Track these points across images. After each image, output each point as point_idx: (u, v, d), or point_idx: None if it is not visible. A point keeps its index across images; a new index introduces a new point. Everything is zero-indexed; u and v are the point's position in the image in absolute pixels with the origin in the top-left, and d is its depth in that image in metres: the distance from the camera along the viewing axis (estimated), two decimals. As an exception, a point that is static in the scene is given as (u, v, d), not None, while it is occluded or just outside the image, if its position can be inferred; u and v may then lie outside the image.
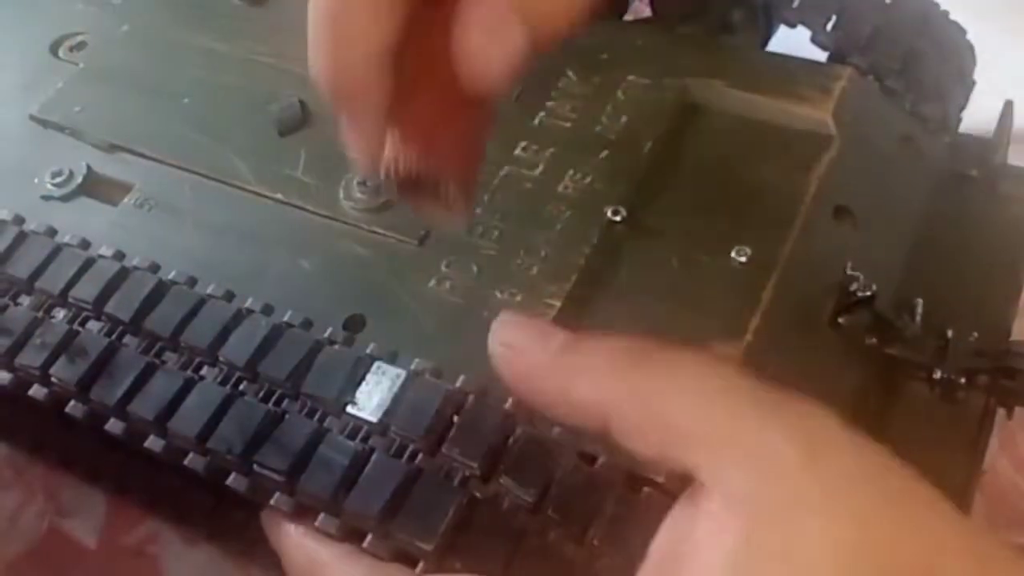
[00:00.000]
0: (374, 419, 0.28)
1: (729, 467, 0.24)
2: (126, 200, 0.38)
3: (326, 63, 0.27)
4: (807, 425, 0.25)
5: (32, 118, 0.41)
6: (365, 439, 0.28)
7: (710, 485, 0.24)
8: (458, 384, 0.29)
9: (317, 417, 0.29)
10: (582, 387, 0.26)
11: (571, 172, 0.37)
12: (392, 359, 0.30)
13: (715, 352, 0.32)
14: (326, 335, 0.31)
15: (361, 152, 0.28)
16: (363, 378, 0.29)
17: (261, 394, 0.30)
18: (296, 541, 0.29)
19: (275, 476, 0.28)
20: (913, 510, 0.24)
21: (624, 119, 0.39)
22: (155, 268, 0.33)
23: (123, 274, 0.32)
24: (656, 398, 0.25)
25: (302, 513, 0.29)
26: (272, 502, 0.29)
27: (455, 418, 0.28)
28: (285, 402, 0.30)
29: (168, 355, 0.31)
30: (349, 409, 0.28)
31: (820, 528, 0.23)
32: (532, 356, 0.27)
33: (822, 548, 0.23)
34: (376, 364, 0.29)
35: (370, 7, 0.26)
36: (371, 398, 0.28)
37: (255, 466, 0.28)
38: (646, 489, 0.28)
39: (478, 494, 0.27)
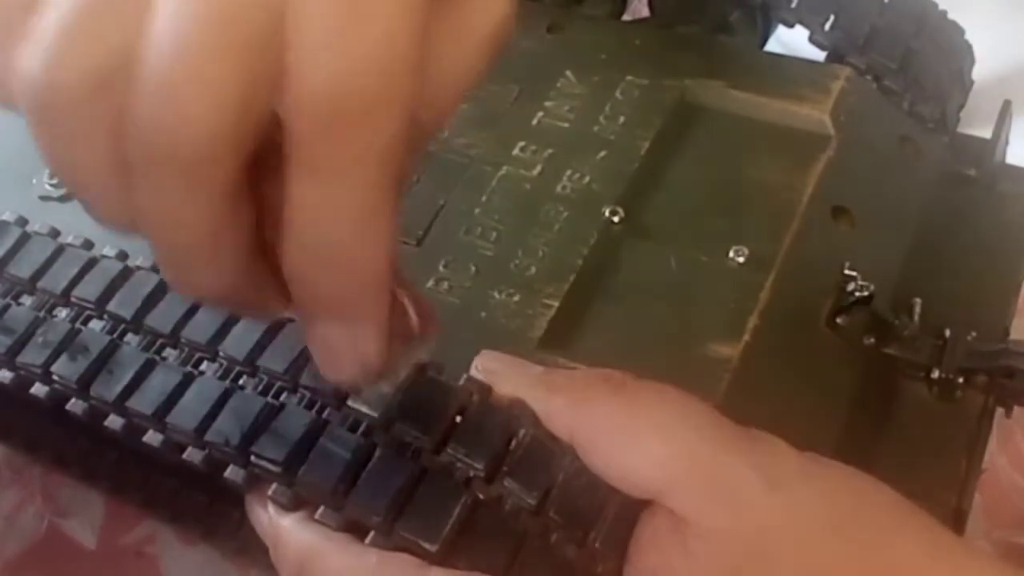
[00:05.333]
0: (375, 413, 0.28)
1: (697, 498, 0.26)
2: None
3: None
4: (765, 453, 0.26)
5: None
6: (366, 433, 0.28)
7: (686, 515, 0.26)
8: (459, 384, 0.29)
9: (316, 409, 0.29)
10: (556, 402, 0.28)
11: (569, 172, 0.38)
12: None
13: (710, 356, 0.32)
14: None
15: (371, 361, 0.24)
16: None
17: (260, 388, 0.30)
18: (290, 529, 0.29)
19: (272, 467, 0.28)
20: (867, 531, 0.26)
21: (622, 119, 0.39)
22: (156, 268, 0.33)
23: (126, 273, 0.32)
24: (622, 426, 0.27)
25: (300, 502, 0.29)
26: (270, 493, 0.29)
27: (458, 418, 0.28)
28: (284, 395, 0.30)
29: (168, 352, 0.31)
30: (350, 402, 0.28)
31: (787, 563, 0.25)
32: (514, 377, 0.29)
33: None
34: None
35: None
36: (373, 391, 0.28)
37: (252, 457, 0.28)
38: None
39: (481, 495, 0.27)
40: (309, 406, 0.29)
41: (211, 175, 0.20)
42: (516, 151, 0.39)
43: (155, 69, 0.20)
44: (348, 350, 0.24)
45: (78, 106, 0.20)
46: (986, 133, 0.41)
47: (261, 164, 0.21)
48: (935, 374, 0.34)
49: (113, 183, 0.21)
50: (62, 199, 0.38)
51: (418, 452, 0.28)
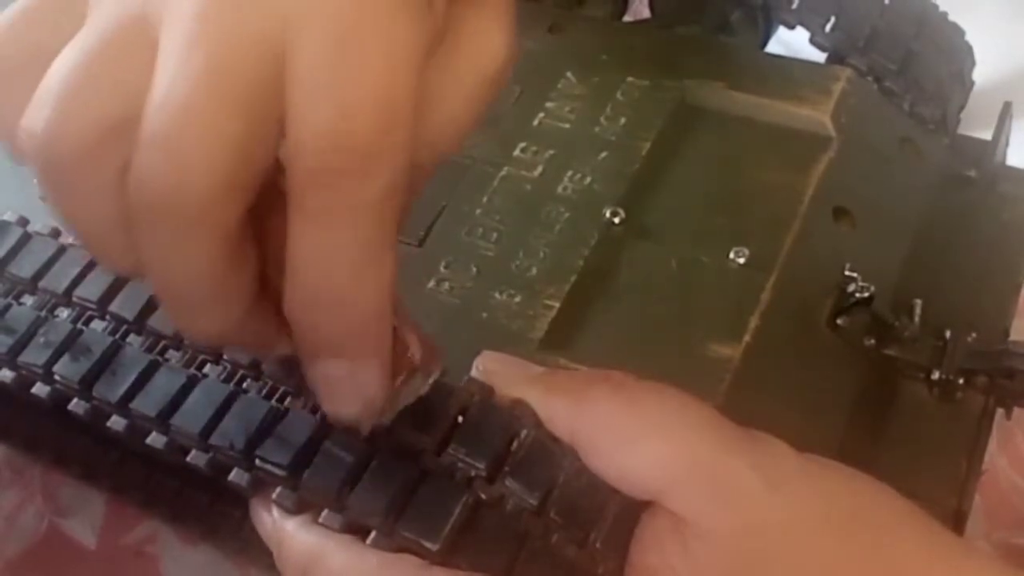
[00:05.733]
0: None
1: (697, 498, 0.26)
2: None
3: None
4: (765, 454, 0.26)
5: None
6: (368, 436, 0.28)
7: (686, 516, 0.26)
8: (460, 385, 0.29)
9: (320, 413, 0.29)
10: (557, 403, 0.28)
11: (570, 173, 0.38)
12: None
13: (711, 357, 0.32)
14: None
15: (375, 399, 0.25)
16: None
17: (264, 391, 0.30)
18: (294, 532, 0.29)
19: (277, 471, 0.28)
20: (867, 532, 0.26)
21: (623, 120, 0.39)
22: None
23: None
24: (623, 426, 0.27)
25: (304, 505, 0.29)
26: (274, 497, 0.29)
27: (459, 419, 0.28)
28: (288, 399, 0.30)
29: (171, 353, 0.31)
30: None
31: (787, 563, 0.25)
32: (515, 378, 0.29)
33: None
34: None
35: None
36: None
37: (257, 461, 0.28)
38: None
39: (482, 495, 0.27)
40: (313, 410, 0.29)
41: (213, 224, 0.21)
42: (517, 152, 0.39)
43: (155, 123, 0.20)
44: (350, 388, 0.24)
45: (81, 162, 0.21)
46: (986, 134, 0.41)
47: (266, 204, 0.22)
48: (935, 375, 0.34)
49: (118, 234, 0.22)
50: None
51: (419, 453, 0.28)
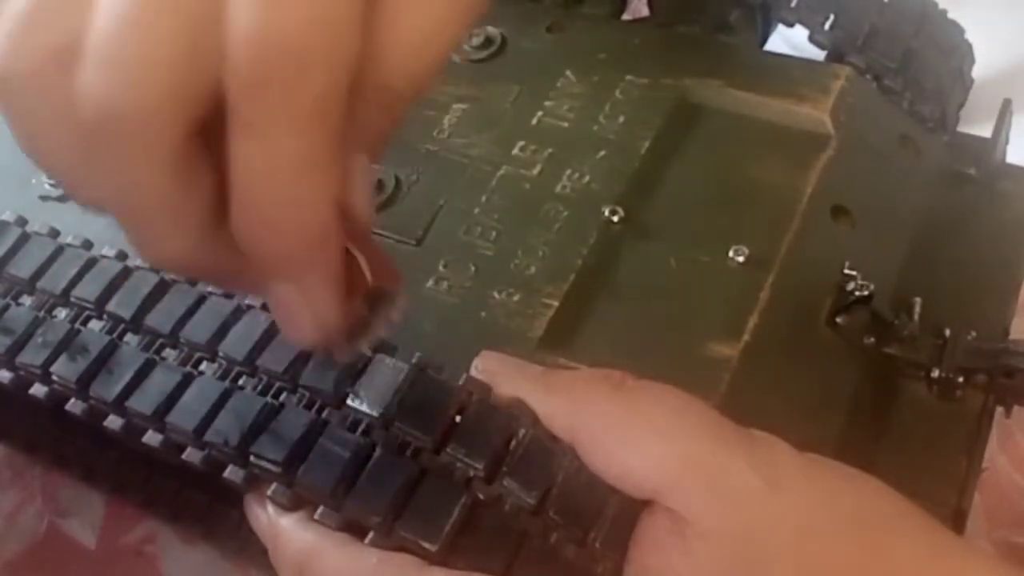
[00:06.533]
0: (375, 412, 0.28)
1: (697, 498, 0.26)
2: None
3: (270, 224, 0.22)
4: (765, 453, 0.26)
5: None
6: (366, 432, 0.28)
7: (686, 515, 0.26)
8: (459, 384, 0.29)
9: (315, 409, 0.29)
10: (556, 402, 0.28)
11: (569, 172, 0.38)
12: (391, 354, 0.30)
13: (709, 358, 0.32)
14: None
15: (328, 318, 0.24)
16: (363, 371, 0.29)
17: (259, 388, 0.30)
18: (289, 530, 0.29)
19: (272, 467, 0.28)
20: (868, 532, 0.26)
21: (622, 119, 0.39)
22: (156, 268, 0.33)
23: (125, 273, 0.32)
24: (622, 426, 0.27)
25: (299, 502, 0.29)
26: (269, 493, 0.29)
27: (458, 418, 0.28)
28: (283, 395, 0.30)
29: (168, 352, 0.31)
30: (350, 402, 0.28)
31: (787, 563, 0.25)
32: (514, 377, 0.29)
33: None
34: (377, 356, 0.29)
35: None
36: (372, 391, 0.28)
37: (252, 457, 0.28)
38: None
39: (481, 495, 0.27)
40: (308, 406, 0.29)
41: (158, 139, 0.21)
42: (516, 151, 0.39)
43: (96, 38, 0.20)
44: (302, 309, 0.24)
45: (34, 85, 0.21)
46: (986, 132, 0.41)
47: (222, 133, 0.21)
48: (935, 373, 0.34)
49: (77, 159, 0.22)
50: (62, 199, 0.38)
51: (418, 452, 0.28)
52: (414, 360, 0.29)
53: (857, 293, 0.34)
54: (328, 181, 0.22)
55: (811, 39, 0.42)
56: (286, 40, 0.20)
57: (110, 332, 0.31)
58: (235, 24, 0.20)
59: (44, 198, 0.38)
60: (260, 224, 0.22)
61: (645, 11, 0.47)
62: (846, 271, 0.34)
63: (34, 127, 0.22)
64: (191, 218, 0.22)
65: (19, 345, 0.32)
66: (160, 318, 0.31)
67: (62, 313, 0.32)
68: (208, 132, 0.21)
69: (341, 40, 0.21)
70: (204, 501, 0.41)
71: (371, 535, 0.28)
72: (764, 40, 0.46)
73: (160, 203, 0.22)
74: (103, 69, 0.20)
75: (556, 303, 0.34)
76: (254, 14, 0.20)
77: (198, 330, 0.31)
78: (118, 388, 0.30)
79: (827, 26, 0.42)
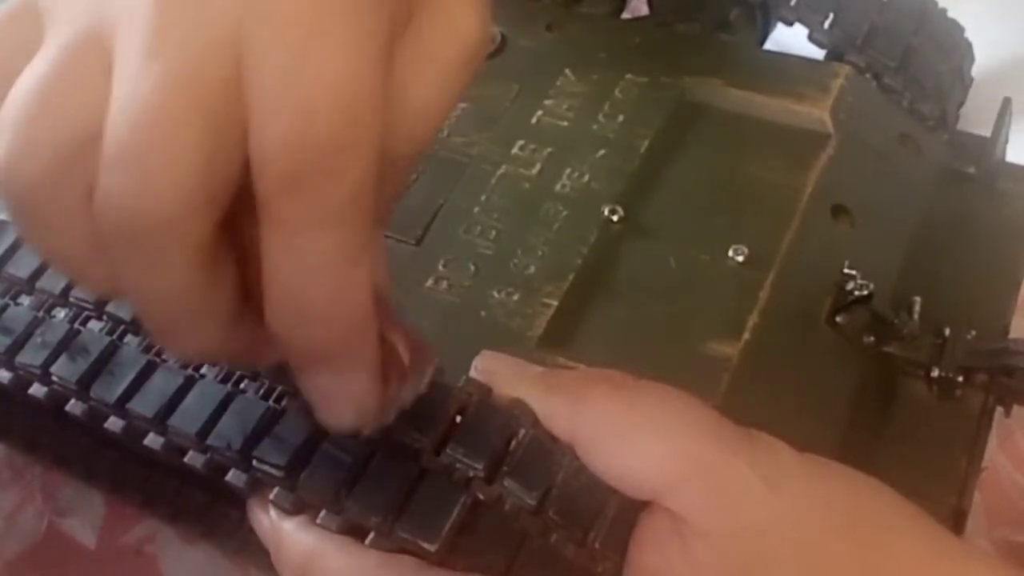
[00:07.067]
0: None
1: (697, 498, 0.26)
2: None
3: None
4: (765, 453, 0.26)
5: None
6: (366, 436, 0.28)
7: (686, 515, 0.26)
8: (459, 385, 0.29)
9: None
10: (556, 402, 0.27)
11: (568, 171, 0.37)
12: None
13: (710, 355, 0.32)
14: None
15: (370, 405, 0.24)
16: None
17: (262, 391, 0.30)
18: (291, 533, 0.29)
19: (274, 471, 0.28)
20: (867, 532, 0.26)
21: (621, 118, 0.39)
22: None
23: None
24: (622, 426, 0.27)
25: (301, 506, 0.29)
26: (271, 497, 0.29)
27: (457, 418, 0.28)
28: (285, 399, 0.30)
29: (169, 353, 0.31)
30: None
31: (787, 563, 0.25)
32: (513, 377, 0.28)
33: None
34: None
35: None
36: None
37: (254, 462, 0.28)
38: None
39: (481, 495, 0.27)
40: (310, 410, 0.29)
41: (184, 240, 0.20)
42: (515, 150, 0.39)
43: (115, 140, 0.19)
44: (341, 398, 0.24)
45: (45, 187, 0.20)
46: (986, 131, 0.41)
47: (242, 210, 0.21)
48: (935, 373, 0.34)
49: (91, 258, 0.21)
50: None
51: (418, 453, 0.28)
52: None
53: (857, 292, 0.34)
54: (366, 274, 0.21)
55: (810, 38, 0.42)
56: (319, 140, 0.19)
57: (110, 333, 0.31)
58: (264, 119, 0.19)
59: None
60: (299, 319, 0.21)
61: (645, 10, 0.47)
62: (846, 270, 0.34)
63: (45, 230, 0.21)
64: (218, 314, 0.22)
65: (18, 345, 0.31)
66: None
67: (61, 313, 0.32)
68: (228, 218, 0.21)
69: (373, 128, 0.20)
70: (204, 500, 0.41)
71: (371, 536, 0.28)
72: (764, 39, 0.46)
73: (187, 301, 0.21)
74: (123, 174, 0.19)
75: (556, 302, 0.34)
76: (285, 116, 0.19)
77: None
78: (119, 390, 0.30)
79: (827, 25, 0.41)
